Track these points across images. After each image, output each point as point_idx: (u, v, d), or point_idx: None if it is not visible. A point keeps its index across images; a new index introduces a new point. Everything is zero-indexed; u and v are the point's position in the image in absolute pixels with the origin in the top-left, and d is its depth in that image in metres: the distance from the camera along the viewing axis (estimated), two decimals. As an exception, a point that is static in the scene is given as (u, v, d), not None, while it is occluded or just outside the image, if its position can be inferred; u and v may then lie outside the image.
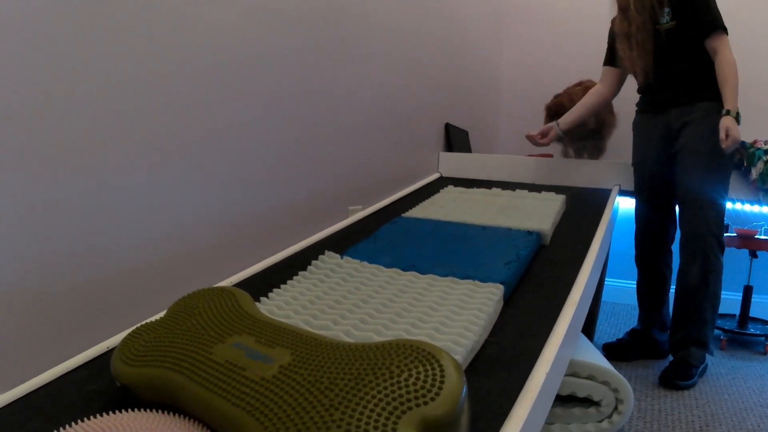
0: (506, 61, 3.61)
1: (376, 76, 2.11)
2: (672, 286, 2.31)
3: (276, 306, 1.16)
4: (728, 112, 1.95)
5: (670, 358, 2.22)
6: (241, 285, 1.35)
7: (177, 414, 0.76)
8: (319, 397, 0.68)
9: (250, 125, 1.49)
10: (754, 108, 2.01)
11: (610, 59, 2.30)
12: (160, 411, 0.76)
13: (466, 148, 2.98)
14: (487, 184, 2.33)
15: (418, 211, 1.86)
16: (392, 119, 2.27)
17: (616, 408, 1.62)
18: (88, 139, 1.06)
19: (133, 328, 0.94)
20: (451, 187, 2.23)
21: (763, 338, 2.58)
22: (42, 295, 1.01)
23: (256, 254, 1.53)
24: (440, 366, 0.70)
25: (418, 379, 0.68)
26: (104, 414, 0.72)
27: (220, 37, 1.37)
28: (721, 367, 2.34)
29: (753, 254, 2.63)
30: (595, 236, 1.67)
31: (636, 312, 2.43)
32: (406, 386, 0.67)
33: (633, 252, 2.36)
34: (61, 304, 1.04)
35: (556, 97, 2.75)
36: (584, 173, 2.37)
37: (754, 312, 2.71)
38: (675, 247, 2.27)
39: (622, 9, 2.12)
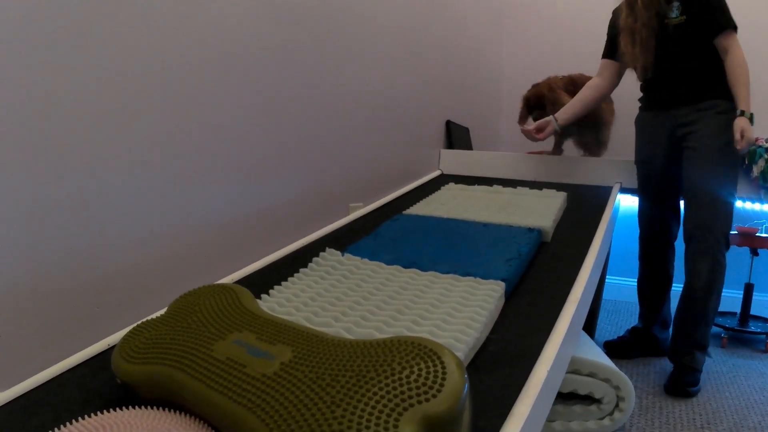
0: (507, 58, 3.60)
1: (377, 74, 2.11)
2: (674, 285, 2.30)
3: (277, 303, 1.15)
4: (742, 113, 1.92)
5: (670, 364, 2.19)
6: (242, 282, 1.35)
7: (178, 411, 0.76)
8: (320, 394, 0.68)
9: (250, 122, 1.48)
10: (755, 106, 1.99)
11: (610, 52, 2.26)
12: (161, 408, 0.76)
13: (467, 145, 2.98)
14: (488, 181, 2.33)
15: (419, 208, 1.86)
16: (393, 116, 2.27)
17: (617, 405, 1.62)
18: (88, 137, 1.06)
19: (134, 325, 0.94)
20: (452, 184, 2.23)
21: (764, 336, 2.57)
22: (43, 292, 1.00)
23: (257, 251, 1.53)
24: (442, 363, 0.70)
25: (419, 376, 0.68)
26: (105, 411, 0.72)
27: (221, 34, 1.36)
28: (723, 365, 2.33)
29: (754, 252, 2.62)
30: (596, 234, 1.67)
31: (637, 309, 2.42)
32: (408, 383, 0.67)
33: (634, 249, 2.34)
34: (62, 302, 1.04)
35: (535, 86, 2.56)
36: (585, 170, 2.37)
37: (754, 310, 2.70)
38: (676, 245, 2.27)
39: (629, 3, 2.08)
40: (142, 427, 0.68)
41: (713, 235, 2.00)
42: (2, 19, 0.90)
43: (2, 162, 0.93)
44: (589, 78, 2.45)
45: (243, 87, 1.45)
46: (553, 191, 2.07)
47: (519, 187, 2.17)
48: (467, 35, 3.03)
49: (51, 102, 0.99)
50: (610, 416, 1.62)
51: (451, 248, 1.46)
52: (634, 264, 2.36)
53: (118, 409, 0.73)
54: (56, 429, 0.69)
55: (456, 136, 2.83)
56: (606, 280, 2.51)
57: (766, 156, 2.20)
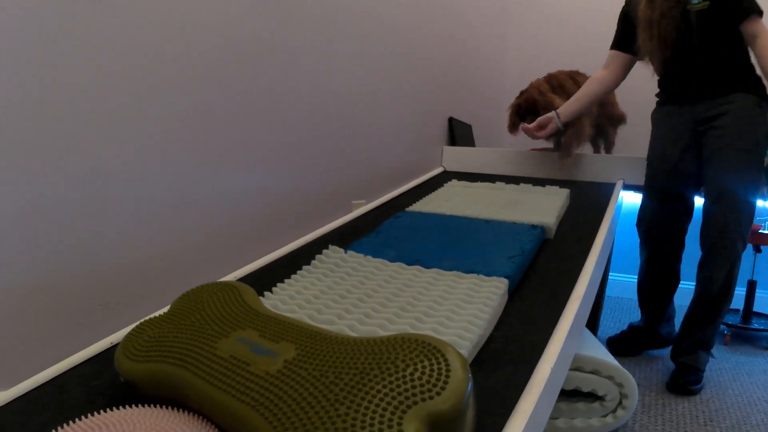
0: (510, 55, 3.59)
1: (380, 71, 2.11)
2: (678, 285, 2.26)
3: (280, 300, 1.15)
4: None
5: (670, 362, 2.18)
6: (245, 280, 1.35)
7: (181, 409, 0.76)
8: (324, 392, 0.68)
9: (253, 120, 1.48)
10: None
11: (620, 43, 2.15)
12: (164, 406, 0.76)
13: (469, 142, 2.98)
14: (491, 178, 2.32)
15: (422, 205, 1.86)
16: (396, 113, 2.27)
17: (620, 403, 1.62)
18: (89, 132, 1.06)
19: (137, 323, 0.94)
20: (454, 181, 2.23)
21: (767, 333, 2.57)
22: (45, 290, 1.00)
23: (259, 249, 1.53)
24: (445, 360, 0.69)
25: (423, 373, 0.68)
26: (108, 410, 0.72)
27: (225, 29, 1.36)
28: (725, 363, 2.33)
29: (757, 249, 2.62)
30: (600, 230, 1.66)
31: (639, 306, 2.41)
32: (412, 381, 0.67)
33: (637, 246, 2.29)
34: (65, 300, 1.04)
35: (524, 92, 2.42)
36: (588, 167, 2.36)
37: (757, 307, 2.70)
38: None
39: None
40: (145, 426, 0.67)
41: (734, 240, 1.92)
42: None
43: (2, 158, 0.93)
44: (568, 73, 2.41)
45: (246, 84, 1.45)
46: (556, 188, 2.07)
47: (522, 184, 2.16)
48: (470, 32, 3.02)
49: (50, 97, 0.99)
50: (613, 413, 1.62)
51: (454, 245, 1.46)
52: (637, 261, 2.34)
53: (121, 407, 0.73)
54: (59, 428, 0.69)
55: (459, 133, 2.82)
56: (609, 277, 2.50)
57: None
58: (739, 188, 1.89)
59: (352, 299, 1.15)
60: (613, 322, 2.78)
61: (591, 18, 3.24)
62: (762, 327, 2.57)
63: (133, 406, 0.75)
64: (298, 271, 1.32)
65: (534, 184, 2.16)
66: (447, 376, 0.67)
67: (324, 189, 1.82)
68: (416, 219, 1.69)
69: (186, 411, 0.76)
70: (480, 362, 0.97)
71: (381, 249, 1.44)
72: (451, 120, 2.81)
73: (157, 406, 0.76)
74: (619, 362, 1.60)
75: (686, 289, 2.17)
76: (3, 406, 0.89)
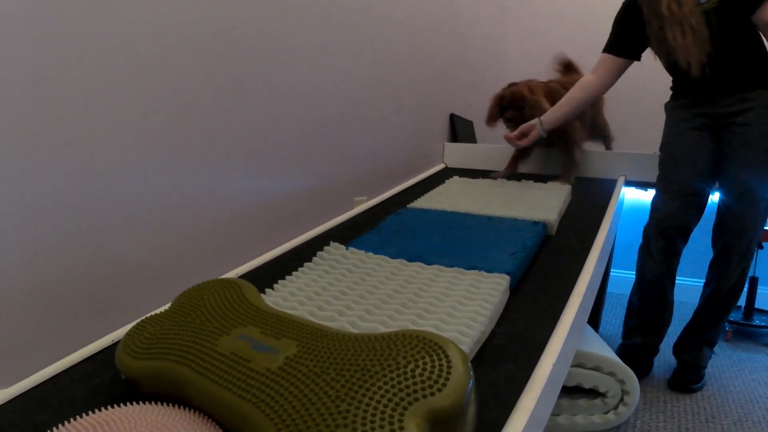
0: (511, 51, 3.59)
1: (381, 67, 2.10)
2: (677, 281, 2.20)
3: (281, 297, 1.15)
4: None
5: (674, 357, 2.16)
6: (246, 277, 1.35)
7: (182, 406, 0.76)
8: (325, 389, 0.68)
9: (253, 117, 1.48)
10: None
11: (615, 46, 2.02)
12: (165, 404, 0.76)
13: (471, 138, 2.97)
14: (493, 174, 2.32)
15: (424, 202, 1.85)
16: (397, 110, 2.26)
17: (622, 399, 1.62)
18: (90, 129, 1.06)
19: (138, 320, 0.94)
20: (456, 178, 2.22)
21: (768, 329, 2.57)
22: (46, 288, 1.00)
23: (261, 246, 1.53)
24: (447, 357, 0.69)
25: (424, 370, 0.68)
26: (109, 407, 0.72)
27: (225, 27, 1.36)
28: (727, 359, 2.33)
29: (759, 245, 2.61)
30: (601, 226, 1.66)
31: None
32: (413, 377, 0.67)
33: (636, 243, 2.21)
34: (66, 298, 1.04)
35: (513, 85, 2.24)
36: (590, 163, 2.36)
37: (759, 303, 2.69)
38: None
39: None
40: (146, 423, 0.67)
41: (750, 241, 1.89)
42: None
43: (3, 154, 0.92)
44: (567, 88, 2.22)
45: (245, 81, 1.44)
46: (557, 184, 2.06)
47: (523, 180, 2.16)
48: (471, 28, 3.01)
49: (48, 95, 0.99)
50: (614, 410, 1.62)
51: (455, 242, 1.46)
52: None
53: (122, 405, 0.73)
54: (60, 425, 0.69)
55: (460, 130, 2.82)
56: (610, 274, 2.50)
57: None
58: (761, 188, 1.84)
59: (354, 296, 1.15)
60: (615, 318, 2.78)
61: (591, 14, 3.23)
62: (764, 324, 2.56)
63: (135, 403, 0.75)
64: (300, 268, 1.32)
65: (535, 181, 2.15)
66: (448, 373, 0.67)
67: (325, 186, 1.82)
68: (418, 216, 1.69)
69: (187, 408, 0.76)
70: (481, 359, 0.97)
71: (382, 246, 1.43)
72: (452, 116, 2.80)
73: (159, 403, 0.76)
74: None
75: (685, 285, 2.14)
76: (4, 404, 0.89)
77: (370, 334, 0.77)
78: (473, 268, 1.27)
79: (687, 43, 1.83)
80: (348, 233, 1.64)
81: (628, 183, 2.31)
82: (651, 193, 2.10)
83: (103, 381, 0.94)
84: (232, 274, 1.36)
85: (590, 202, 1.97)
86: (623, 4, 2.02)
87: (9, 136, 0.92)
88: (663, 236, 2.03)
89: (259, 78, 1.49)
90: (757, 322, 2.57)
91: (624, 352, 2.13)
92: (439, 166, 2.57)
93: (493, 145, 2.55)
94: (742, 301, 2.63)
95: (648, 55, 2.03)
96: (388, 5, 2.11)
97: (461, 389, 0.66)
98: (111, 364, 1.00)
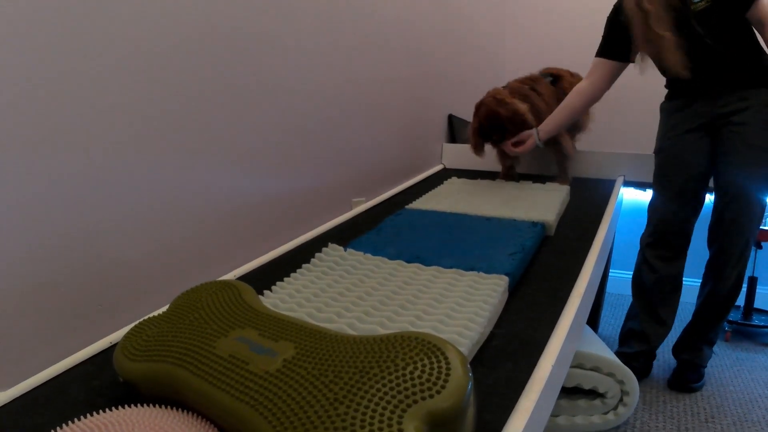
0: (509, 52, 3.58)
1: (379, 68, 2.10)
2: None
3: (279, 299, 1.15)
4: None
5: (673, 357, 2.16)
6: (244, 278, 1.35)
7: (180, 409, 0.75)
8: (323, 391, 0.68)
9: (252, 117, 1.48)
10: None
11: (606, 49, 1.99)
12: (163, 406, 0.75)
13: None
14: (491, 175, 2.32)
15: (422, 203, 1.85)
16: (395, 111, 2.26)
17: (621, 400, 1.62)
18: (89, 130, 1.06)
19: (136, 322, 0.93)
20: (454, 179, 2.22)
21: (767, 329, 2.57)
22: (44, 290, 1.00)
23: (259, 247, 1.53)
24: (446, 358, 0.69)
25: (423, 371, 0.68)
26: (108, 409, 0.72)
27: (223, 26, 1.36)
28: (726, 359, 2.33)
29: (758, 245, 2.61)
30: (600, 227, 1.66)
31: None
32: (412, 379, 0.67)
33: (637, 243, 2.23)
34: (63, 300, 1.04)
35: (480, 107, 2.11)
36: (588, 164, 2.36)
37: (758, 303, 2.70)
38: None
39: None
40: (144, 426, 0.67)
41: (747, 241, 1.89)
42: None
43: (1, 155, 0.92)
44: (522, 81, 2.22)
45: (243, 81, 1.44)
46: (556, 185, 2.06)
47: (522, 181, 2.16)
48: (469, 28, 3.01)
49: (45, 96, 0.98)
50: (614, 411, 1.62)
51: (454, 243, 1.45)
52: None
53: (120, 407, 0.73)
54: (59, 428, 0.69)
55: (458, 131, 2.82)
56: (609, 274, 2.50)
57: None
58: (756, 189, 1.84)
59: (352, 297, 1.15)
60: (614, 319, 2.78)
61: (589, 13, 3.23)
62: (763, 323, 2.56)
63: (133, 405, 0.74)
64: (298, 270, 1.31)
65: (534, 181, 2.15)
66: (447, 375, 0.67)
67: (324, 187, 1.82)
68: (416, 216, 1.68)
69: (185, 410, 0.76)
70: (480, 360, 0.97)
71: (381, 247, 1.43)
72: (450, 117, 2.80)
73: (157, 405, 0.75)
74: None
75: (683, 285, 2.13)
76: (2, 406, 0.89)
77: (368, 336, 0.77)
78: (472, 269, 1.27)
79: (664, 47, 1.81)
80: (346, 234, 1.64)
81: (627, 183, 2.31)
82: (650, 194, 2.10)
83: (101, 383, 0.94)
84: (230, 275, 1.35)
85: (589, 202, 1.97)
86: (614, 6, 1.99)
87: (8, 137, 0.92)
88: (662, 242, 2.04)
89: (256, 79, 1.48)
90: (756, 322, 2.58)
91: (621, 359, 2.11)
92: (438, 167, 2.57)
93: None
94: (741, 301, 2.63)
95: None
96: (386, 6, 2.11)
97: (460, 391, 0.66)
98: (109, 366, 0.99)
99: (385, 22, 2.11)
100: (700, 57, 1.84)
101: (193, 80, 1.29)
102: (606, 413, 1.63)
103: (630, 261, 2.22)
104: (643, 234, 2.10)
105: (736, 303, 2.54)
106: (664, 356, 2.26)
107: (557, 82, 2.33)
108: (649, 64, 1.95)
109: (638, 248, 2.13)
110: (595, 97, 2.03)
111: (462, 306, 1.10)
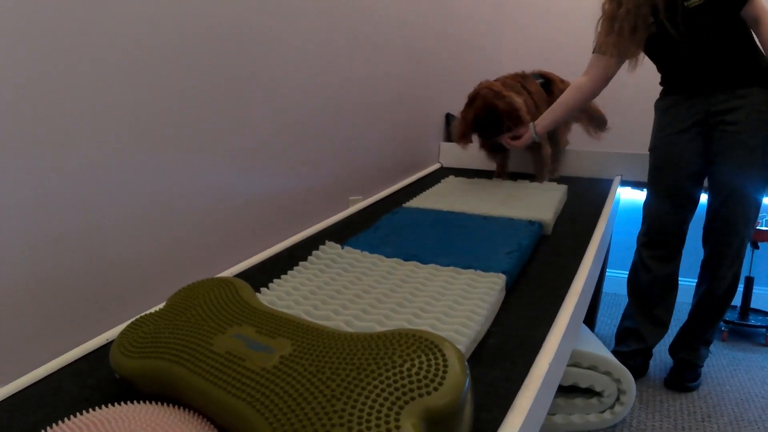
0: (506, 50, 3.59)
1: (376, 67, 2.10)
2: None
3: (277, 296, 1.15)
4: None
5: (670, 356, 2.16)
6: (241, 276, 1.34)
7: (177, 406, 0.75)
8: (320, 388, 0.67)
9: (249, 115, 1.48)
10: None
11: (602, 45, 1.96)
12: (160, 403, 0.75)
13: (466, 138, 2.97)
14: (488, 174, 2.32)
15: (419, 201, 1.85)
16: (392, 109, 2.26)
17: (618, 399, 1.62)
18: (86, 129, 1.05)
19: (133, 319, 0.93)
20: (452, 177, 2.22)
21: (764, 329, 2.57)
22: (40, 288, 1.00)
23: (256, 245, 1.52)
24: (443, 356, 0.69)
25: (420, 369, 0.67)
26: (103, 407, 0.71)
27: (222, 25, 1.35)
28: (723, 359, 2.33)
29: (754, 245, 2.62)
30: (597, 226, 1.66)
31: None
32: (409, 376, 0.67)
33: (633, 243, 2.20)
34: (59, 297, 1.03)
35: (474, 99, 2.06)
36: (586, 163, 2.36)
37: (755, 303, 2.70)
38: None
39: None
40: (141, 423, 0.67)
41: (742, 240, 1.89)
42: (-3, 11, 0.90)
43: (-2, 155, 0.92)
44: (513, 77, 2.21)
45: (240, 80, 1.44)
46: (553, 184, 2.06)
47: (519, 180, 2.16)
48: (466, 27, 3.01)
49: (44, 94, 0.98)
50: (611, 409, 1.62)
51: (451, 241, 1.45)
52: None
53: (116, 404, 0.73)
54: (54, 425, 0.68)
55: (455, 130, 2.81)
56: (606, 273, 2.50)
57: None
58: (750, 187, 1.84)
59: (349, 295, 1.14)
60: (611, 318, 2.78)
61: (586, 13, 3.22)
62: (759, 323, 2.57)
63: (129, 402, 0.74)
64: (295, 267, 1.31)
65: (531, 180, 2.15)
66: (444, 372, 0.67)
67: (321, 185, 1.82)
68: (413, 215, 1.68)
69: (182, 407, 0.75)
70: (478, 358, 0.97)
71: (378, 245, 1.43)
72: (448, 116, 2.80)
73: (153, 402, 0.75)
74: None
75: (681, 285, 2.14)
76: (-3, 403, 0.88)
77: (365, 333, 0.77)
78: (469, 268, 1.27)
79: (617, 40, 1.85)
80: (343, 232, 1.64)
81: (624, 183, 2.32)
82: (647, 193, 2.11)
83: (97, 380, 0.94)
84: (227, 272, 1.35)
85: (586, 201, 1.97)
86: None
87: (6, 136, 0.92)
88: (657, 242, 2.05)
89: (253, 78, 1.48)
90: (752, 322, 2.58)
91: (618, 358, 2.11)
92: (435, 166, 2.57)
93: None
94: (737, 301, 2.63)
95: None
96: (384, 5, 2.11)
97: (458, 388, 0.66)
98: (105, 364, 0.99)
99: (382, 20, 2.11)
100: (693, 55, 1.85)
101: (189, 79, 1.29)
102: (603, 412, 1.63)
103: (627, 260, 2.22)
104: (639, 233, 2.11)
105: (733, 303, 2.55)
106: (661, 355, 2.26)
107: (548, 85, 2.32)
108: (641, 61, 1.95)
109: (635, 247, 2.14)
110: (594, 93, 2.02)
111: (459, 304, 1.10)
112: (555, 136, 2.24)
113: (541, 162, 2.18)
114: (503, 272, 1.24)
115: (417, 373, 0.67)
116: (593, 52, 2.01)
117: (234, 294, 0.94)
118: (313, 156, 1.76)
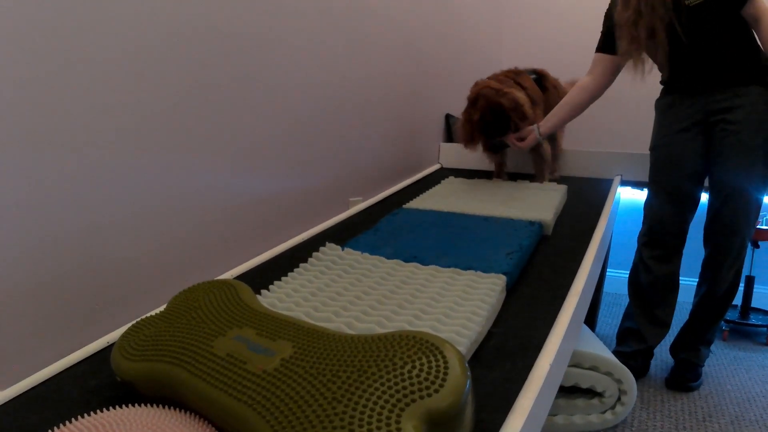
0: (506, 51, 3.59)
1: (376, 67, 2.10)
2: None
3: (277, 298, 1.15)
4: None
5: (671, 356, 2.16)
6: (241, 278, 1.34)
7: (178, 408, 0.75)
8: (321, 390, 0.67)
9: (249, 116, 1.48)
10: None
11: (606, 45, 1.98)
12: (161, 406, 0.75)
13: (466, 139, 2.97)
14: (488, 174, 2.32)
15: (420, 202, 1.85)
16: (392, 110, 2.26)
17: (619, 399, 1.62)
18: (85, 130, 1.05)
19: (133, 322, 0.93)
20: (452, 178, 2.22)
21: (765, 329, 2.57)
22: (41, 290, 1.00)
23: (256, 246, 1.52)
24: (444, 357, 0.69)
25: (421, 370, 0.67)
26: (105, 409, 0.71)
27: (221, 25, 1.35)
28: (724, 358, 2.33)
29: (755, 244, 2.62)
30: (597, 226, 1.66)
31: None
32: (410, 378, 0.67)
33: (634, 243, 2.19)
34: (61, 300, 1.03)
35: (476, 100, 2.02)
36: (586, 163, 2.36)
37: (755, 302, 2.70)
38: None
39: None
40: (142, 425, 0.67)
41: (743, 240, 1.88)
42: (-3, 14, 0.90)
43: (-2, 158, 0.92)
44: (505, 73, 2.19)
45: (240, 81, 1.44)
46: (553, 184, 2.06)
47: (519, 181, 2.16)
48: (466, 28, 3.01)
49: (44, 94, 0.98)
50: (612, 410, 1.62)
51: (451, 242, 1.45)
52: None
53: (117, 407, 0.73)
54: (56, 428, 0.68)
55: (455, 130, 2.82)
56: (606, 273, 2.50)
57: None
58: (751, 187, 1.83)
59: (350, 297, 1.14)
60: (611, 318, 2.78)
61: (586, 12, 3.23)
62: (760, 322, 2.57)
63: (130, 405, 0.74)
64: (295, 269, 1.31)
65: (531, 181, 2.15)
66: (445, 374, 0.67)
67: (321, 186, 1.82)
68: (413, 216, 1.68)
69: (183, 410, 0.75)
70: (478, 359, 0.97)
71: (378, 246, 1.43)
72: (447, 117, 2.80)
73: (154, 405, 0.75)
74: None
75: (681, 285, 2.14)
76: (0, 405, 0.88)
77: (366, 335, 0.77)
78: (470, 269, 1.27)
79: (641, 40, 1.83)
80: (344, 234, 1.64)
81: (624, 183, 2.31)
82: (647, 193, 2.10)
83: (98, 383, 0.94)
84: (227, 275, 1.35)
85: (586, 201, 1.97)
86: (611, 0, 1.99)
87: (6, 136, 0.92)
88: (658, 242, 2.04)
89: (253, 78, 1.48)
90: (753, 321, 2.58)
91: (619, 358, 2.11)
92: (435, 167, 2.57)
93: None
94: (738, 300, 2.63)
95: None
96: (384, 5, 2.11)
97: (458, 390, 0.66)
98: (106, 366, 0.99)
99: (382, 20, 2.11)
100: (694, 53, 1.85)
101: (189, 79, 1.29)
102: (604, 412, 1.63)
103: (627, 260, 2.22)
104: (640, 232, 2.11)
105: (734, 302, 2.54)
106: (662, 355, 2.26)
107: (540, 80, 2.32)
108: (647, 65, 1.95)
109: (635, 247, 2.14)
110: (598, 92, 2.02)
111: (460, 305, 1.10)
112: (554, 136, 2.25)
113: (541, 161, 2.19)
114: (504, 273, 1.24)
115: (418, 375, 0.67)
116: (596, 51, 2.01)
117: (234, 296, 0.94)
118: (313, 157, 1.76)
